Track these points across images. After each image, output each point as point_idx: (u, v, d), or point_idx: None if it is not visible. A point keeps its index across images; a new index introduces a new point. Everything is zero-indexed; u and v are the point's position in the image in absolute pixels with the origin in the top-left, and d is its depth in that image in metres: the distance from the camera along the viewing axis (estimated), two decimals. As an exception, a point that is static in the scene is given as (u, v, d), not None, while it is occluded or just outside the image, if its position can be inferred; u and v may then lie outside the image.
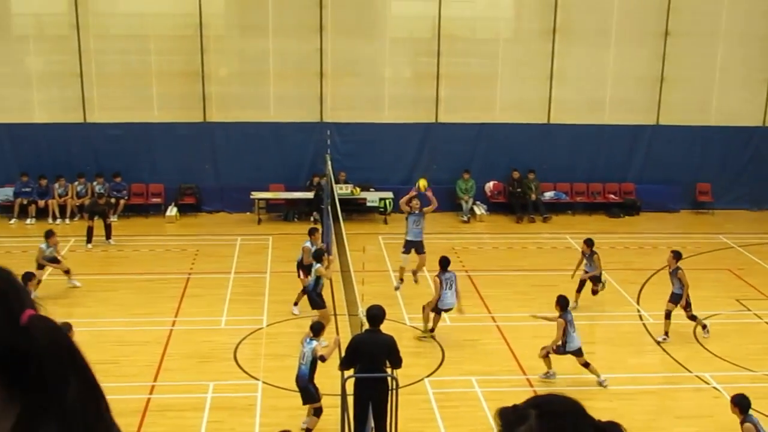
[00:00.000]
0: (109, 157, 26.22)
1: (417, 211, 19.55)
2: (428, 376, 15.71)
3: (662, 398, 15.35)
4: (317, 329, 13.71)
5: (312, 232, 18.98)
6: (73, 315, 18.17)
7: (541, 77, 27.10)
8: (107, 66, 26.33)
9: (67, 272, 19.79)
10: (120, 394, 14.70)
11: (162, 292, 19.74)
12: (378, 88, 27.06)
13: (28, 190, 25.63)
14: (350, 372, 12.33)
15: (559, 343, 15.35)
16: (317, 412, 13.39)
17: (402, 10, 27.65)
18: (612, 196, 27.61)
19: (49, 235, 19.70)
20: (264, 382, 15.25)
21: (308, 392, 13.36)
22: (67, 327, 13.22)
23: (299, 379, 13.41)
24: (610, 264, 22.36)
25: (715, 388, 15.56)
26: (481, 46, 27.94)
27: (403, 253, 19.72)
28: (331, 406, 13.58)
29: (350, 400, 12.47)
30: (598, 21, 26.96)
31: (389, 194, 26.22)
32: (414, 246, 19.60)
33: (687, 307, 17.44)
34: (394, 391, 12.26)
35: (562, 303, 15.70)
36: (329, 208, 21.77)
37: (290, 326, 17.83)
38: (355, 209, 25.68)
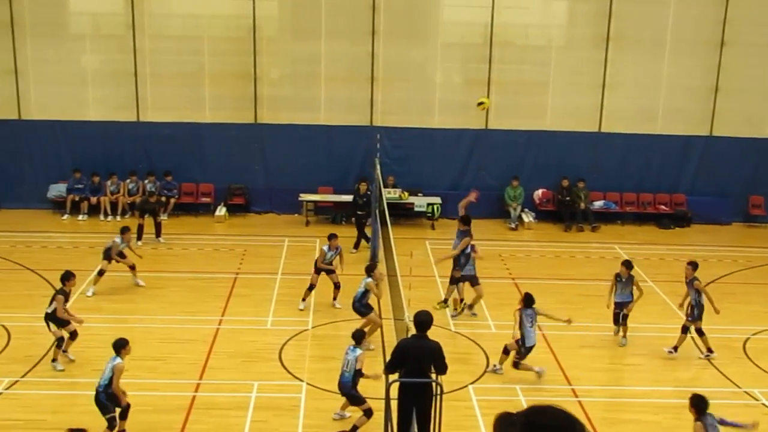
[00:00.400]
0: (161, 155, 26.55)
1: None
2: (473, 383, 15.66)
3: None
4: (359, 337, 13.86)
5: (331, 237, 19.30)
6: (123, 311, 18.46)
7: (594, 85, 26.92)
8: (161, 66, 26.64)
9: (132, 268, 19.89)
10: (166, 391, 14.85)
11: (209, 291, 19.89)
12: (428, 93, 27.07)
13: (80, 186, 26.00)
14: (395, 376, 12.33)
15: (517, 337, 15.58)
16: (368, 413, 13.42)
17: (454, 16, 27.61)
18: (662, 206, 27.34)
19: (124, 230, 19.78)
20: (308, 384, 15.30)
21: (353, 397, 13.44)
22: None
23: (343, 386, 13.48)
24: (659, 275, 22.18)
25: (764, 404, 15.33)
26: (533, 53, 27.81)
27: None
28: (375, 409, 13.60)
29: (394, 404, 12.46)
30: (653, 30, 26.72)
31: (437, 199, 26.21)
32: (469, 279, 18.87)
33: (691, 315, 16.94)
34: (438, 397, 12.24)
35: (527, 299, 15.79)
36: (377, 212, 21.79)
37: (335, 329, 17.87)
38: (402, 214, 25.70)
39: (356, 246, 23.36)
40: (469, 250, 18.64)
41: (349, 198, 24.64)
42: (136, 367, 15.71)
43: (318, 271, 19.02)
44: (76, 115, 26.52)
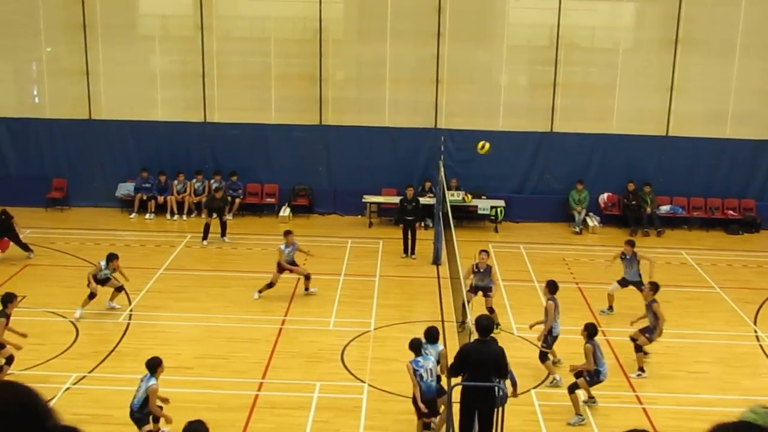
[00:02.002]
0: (227, 156, 26.85)
1: (482, 268, 18.00)
2: (535, 387, 15.57)
3: (777, 423, 14.82)
4: (430, 335, 13.70)
5: (286, 234, 19.90)
6: (187, 309, 18.70)
7: (661, 88, 26.58)
8: (228, 67, 26.96)
9: (118, 290, 18.66)
10: (229, 390, 15.00)
11: (273, 291, 20.03)
12: (493, 95, 26.97)
13: (148, 186, 26.41)
14: (457, 380, 12.31)
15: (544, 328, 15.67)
16: (426, 425, 13.33)
17: (520, 18, 27.44)
18: (731, 212, 26.88)
19: (111, 258, 18.58)
20: (370, 385, 15.34)
21: (437, 405, 13.28)
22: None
23: (429, 394, 13.19)
24: (727, 282, 21.83)
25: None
26: (600, 56, 27.57)
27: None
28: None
29: (456, 407, 12.44)
30: (723, 32, 26.28)
31: (501, 202, 26.10)
32: (481, 290, 18.19)
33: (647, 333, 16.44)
34: (500, 402, 12.19)
35: (551, 287, 15.90)
36: (440, 214, 21.78)
37: (398, 330, 17.87)
38: (466, 216, 25.65)
39: (413, 251, 23.12)
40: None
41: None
42: (201, 365, 15.93)
43: (281, 270, 19.63)
44: (144, 115, 26.97)
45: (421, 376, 13.01)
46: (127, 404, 13.02)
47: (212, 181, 26.41)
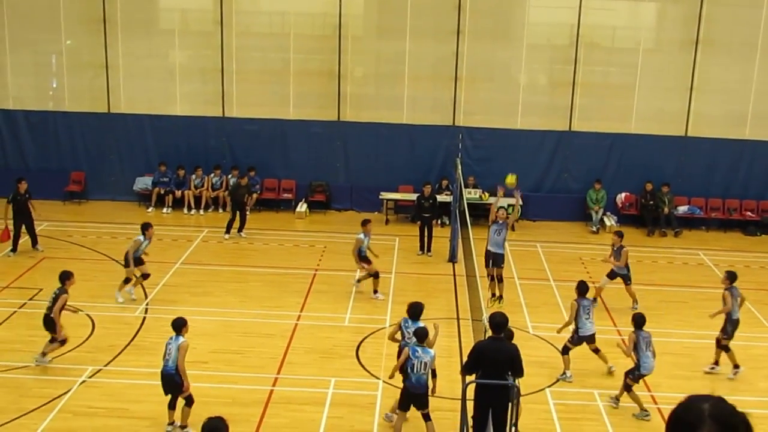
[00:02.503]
0: (245, 151, 26.91)
1: (501, 221, 19.25)
2: (550, 386, 15.54)
3: (794, 426, 14.75)
4: (423, 335, 13.30)
5: (364, 223, 19.83)
6: (203, 304, 18.74)
7: (681, 89, 26.45)
8: (247, 63, 27.00)
9: (144, 277, 19.04)
10: (244, 384, 15.04)
11: (289, 287, 20.08)
12: (512, 94, 26.91)
13: (165, 180, 26.48)
14: (471, 378, 12.29)
15: (570, 327, 15.82)
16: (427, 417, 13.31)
17: (540, 17, 27.35)
18: (749, 213, 26.73)
19: (146, 227, 19.01)
20: (385, 382, 15.33)
21: (427, 400, 13.29)
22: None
23: (422, 388, 13.26)
24: (744, 283, 21.59)
25: None
26: (620, 56, 27.46)
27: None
28: (450, 410, 13.60)
29: (470, 405, 12.43)
30: (744, 33, 26.14)
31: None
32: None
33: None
34: (514, 400, 12.17)
35: (581, 288, 15.91)
36: (457, 212, 21.76)
37: (413, 328, 17.85)
38: (482, 214, 25.55)
39: (429, 249, 23.15)
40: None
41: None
42: (216, 360, 15.97)
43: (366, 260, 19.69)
44: (163, 109, 27.05)
45: (413, 367, 12.97)
46: (143, 398, 13.08)
47: (230, 176, 26.48)
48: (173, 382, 13.16)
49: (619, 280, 19.44)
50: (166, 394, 13.28)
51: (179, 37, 27.34)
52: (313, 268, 21.62)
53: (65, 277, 15.78)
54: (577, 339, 15.85)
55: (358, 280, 19.99)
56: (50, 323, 15.39)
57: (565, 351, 15.94)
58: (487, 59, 26.81)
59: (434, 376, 13.38)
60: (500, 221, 19.19)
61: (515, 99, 26.91)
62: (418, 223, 23.50)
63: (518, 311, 18.67)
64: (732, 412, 3.07)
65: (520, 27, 27.07)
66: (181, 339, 13.24)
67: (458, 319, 18.08)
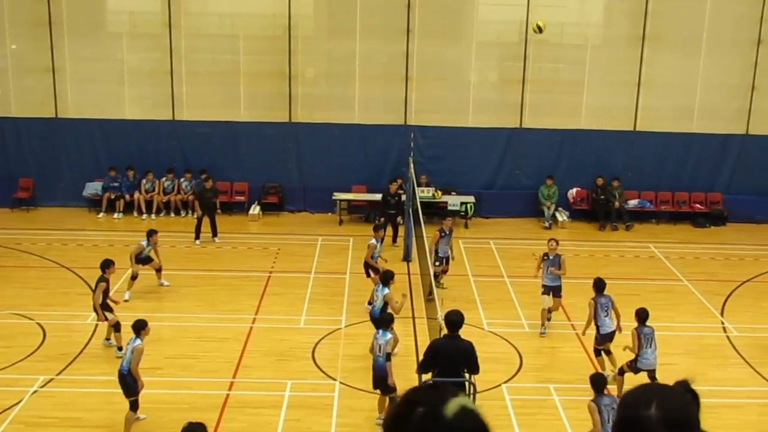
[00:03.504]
0: (196, 154, 26.69)
1: (553, 255, 17.71)
2: (506, 382, 15.62)
3: (746, 413, 14.99)
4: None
5: (377, 229, 19.49)
6: (157, 309, 18.59)
7: (629, 84, 26.74)
8: (197, 65, 26.80)
9: (158, 270, 19.90)
10: (200, 389, 14.94)
11: (243, 290, 19.98)
12: (463, 92, 27.00)
13: (116, 185, 26.20)
14: (428, 376, 12.33)
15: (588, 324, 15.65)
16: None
17: (490, 15, 27.46)
18: (698, 205, 27.10)
19: (151, 233, 19.60)
20: (342, 383, 15.33)
21: (386, 384, 13.45)
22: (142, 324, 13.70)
23: (378, 371, 13.53)
24: (694, 274, 22.01)
25: (801, 406, 15.16)
26: (568, 52, 27.68)
27: (543, 294, 17.91)
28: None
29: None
30: (689, 29, 26.50)
31: (471, 198, 26.16)
32: (552, 290, 17.81)
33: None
34: (471, 397, 12.21)
35: (598, 285, 15.80)
36: (410, 210, 21.79)
37: (369, 327, 17.82)
38: (436, 213, 25.63)
39: (394, 239, 23.49)
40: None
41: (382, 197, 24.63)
42: (171, 365, 15.85)
43: (375, 270, 18.67)
44: (112, 113, 26.72)
45: (375, 348, 13.45)
46: (96, 407, 12.95)
47: (182, 179, 26.30)
48: (124, 383, 13.15)
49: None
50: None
51: (127, 39, 27.05)
52: (268, 270, 21.53)
53: (105, 265, 16.52)
54: (600, 339, 15.58)
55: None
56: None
57: (596, 353, 15.77)
58: (437, 58, 26.88)
59: (388, 359, 13.61)
60: (447, 231, 19.15)
61: (466, 97, 27.02)
62: (383, 219, 23.65)
63: (473, 308, 18.74)
64: (682, 407, 2.86)
65: (470, 25, 27.17)
66: (138, 342, 13.25)
67: (414, 318, 18.11)
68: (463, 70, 27.32)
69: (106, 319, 16.39)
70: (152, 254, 19.66)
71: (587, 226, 26.40)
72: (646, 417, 2.78)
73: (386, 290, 15.86)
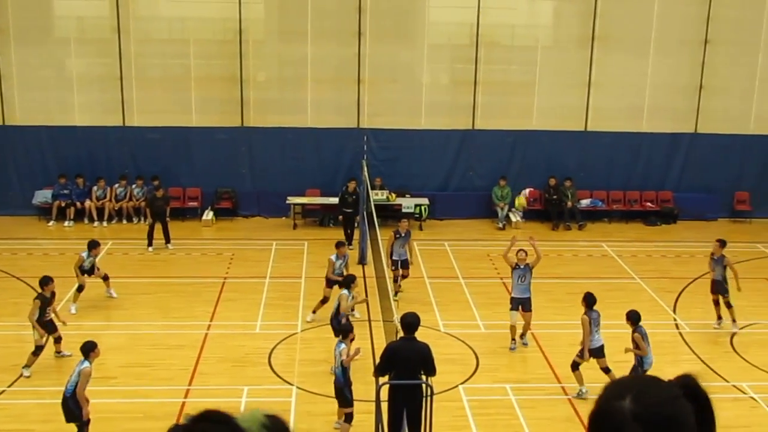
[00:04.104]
0: (148, 160, 26.44)
1: (523, 265, 17.01)
2: (463, 383, 15.67)
3: (699, 409, 15.13)
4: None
5: (339, 246, 18.80)
6: (110, 318, 18.40)
7: (580, 85, 26.99)
8: (147, 70, 26.56)
9: (105, 279, 19.53)
10: (155, 398, 14.80)
11: (198, 296, 19.84)
12: (415, 94, 27.06)
13: (66, 192, 25.86)
14: (385, 379, 12.33)
15: (587, 344, 15.07)
16: (348, 418, 13.37)
17: (441, 17, 27.56)
18: (649, 204, 27.42)
19: (92, 245, 19.12)
20: (298, 388, 15.28)
21: (343, 395, 13.40)
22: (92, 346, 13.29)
23: (336, 382, 13.49)
24: (646, 272, 22.27)
25: (752, 398, 15.40)
26: (519, 54, 27.87)
27: (511, 309, 17.22)
28: (365, 412, 13.59)
29: (384, 406, 12.46)
30: (638, 29, 26.81)
31: (425, 200, 26.22)
32: (521, 303, 17.27)
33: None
34: (428, 398, 12.25)
35: (589, 300, 15.48)
36: (365, 213, 21.80)
37: (325, 332, 17.80)
38: (391, 215, 25.66)
39: (350, 242, 23.42)
40: None
41: (336, 200, 24.60)
42: (125, 374, 15.68)
43: (330, 284, 18.30)
44: (61, 120, 26.36)
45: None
46: (50, 418, 12.77)
47: (134, 186, 26.05)
48: (66, 407, 12.72)
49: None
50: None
51: (76, 45, 26.71)
52: (222, 276, 21.39)
53: (43, 282, 15.98)
54: (588, 354, 15.18)
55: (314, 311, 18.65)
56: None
57: (574, 367, 15.20)
58: (389, 60, 26.90)
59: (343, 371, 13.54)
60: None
61: (418, 99, 27.08)
62: (341, 218, 23.66)
63: (429, 310, 18.77)
64: (659, 402, 2.55)
65: (421, 27, 27.25)
66: (86, 364, 12.82)
67: (369, 321, 18.10)
68: (416, 72, 27.39)
69: (50, 334, 15.97)
70: (96, 266, 19.30)
71: (540, 226, 26.59)
72: (617, 409, 2.49)
73: (343, 291, 15.91)
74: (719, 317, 18.41)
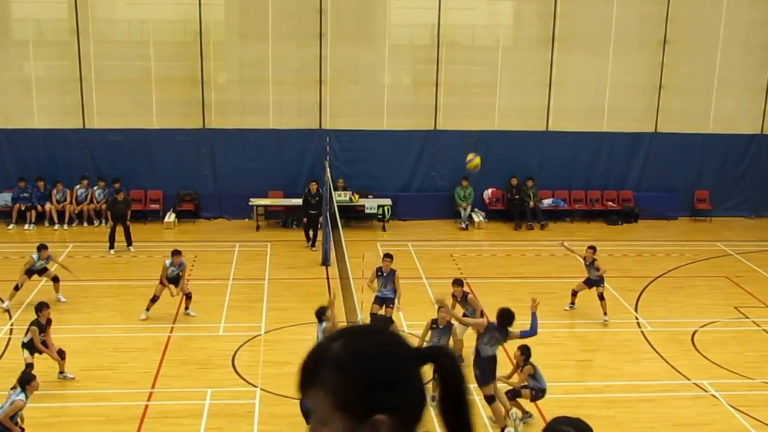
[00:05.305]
0: (108, 163, 26.23)
1: (442, 326, 15.26)
2: (427, 383, 15.63)
3: (660, 406, 15.34)
4: (319, 314, 14.52)
5: (174, 254, 18.87)
6: (71, 321, 18.22)
7: (540, 85, 27.14)
8: (107, 72, 26.34)
9: (54, 280, 19.28)
10: (118, 401, 14.70)
11: (160, 299, 19.68)
12: (377, 95, 27.08)
13: (26, 195, 25.59)
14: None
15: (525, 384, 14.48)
16: None
17: (401, 18, 27.60)
18: (610, 203, 27.63)
19: (41, 248, 19.21)
20: (262, 389, 15.24)
21: None
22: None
23: None
24: (608, 271, 22.35)
25: (713, 395, 15.57)
26: (480, 54, 27.98)
27: None
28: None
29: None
30: (597, 29, 27.02)
31: (388, 201, 26.25)
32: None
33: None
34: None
35: (527, 352, 14.68)
36: (327, 214, 21.78)
37: (288, 333, 17.82)
38: (353, 216, 25.70)
39: (313, 244, 23.44)
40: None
41: (299, 201, 24.58)
42: (87, 377, 15.56)
43: (163, 284, 18.64)
44: (20, 123, 26.08)
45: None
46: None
47: (96, 188, 25.84)
48: None
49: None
50: None
51: (34, 47, 26.44)
52: (185, 278, 21.23)
53: (38, 309, 15.57)
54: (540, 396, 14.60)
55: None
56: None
57: (513, 396, 14.55)
58: (350, 61, 26.89)
59: None
60: (385, 272, 17.52)
61: (380, 100, 27.10)
62: (305, 219, 23.72)
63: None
64: (369, 348, 2.41)
65: (382, 28, 27.27)
66: (20, 397, 12.40)
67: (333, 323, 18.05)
68: (377, 73, 27.42)
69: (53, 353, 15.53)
70: (49, 266, 19.36)
71: (503, 226, 26.72)
72: (327, 347, 2.36)
73: (323, 324, 14.74)
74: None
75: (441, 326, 15.13)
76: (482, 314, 16.20)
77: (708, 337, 18.13)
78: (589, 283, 19.11)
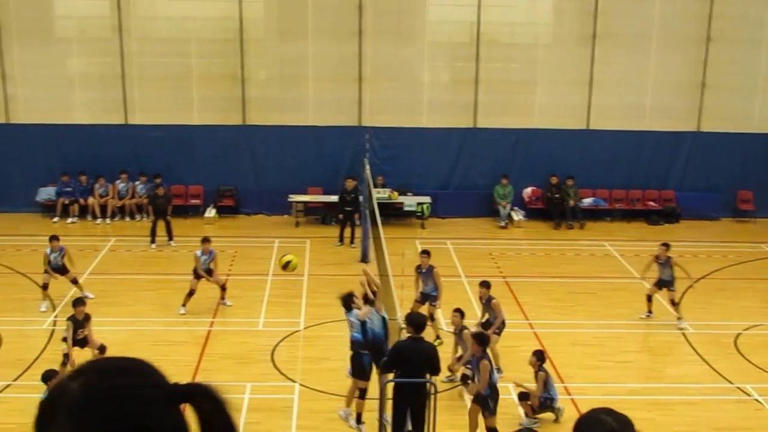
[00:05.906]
0: (150, 158, 26.45)
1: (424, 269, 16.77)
2: (465, 381, 15.65)
3: (702, 409, 15.18)
4: (346, 301, 14.24)
5: (204, 241, 19.21)
6: (113, 314, 18.39)
7: (581, 83, 26.97)
8: (148, 69, 26.58)
9: (74, 282, 19.19)
10: (159, 394, 14.78)
11: (200, 293, 19.76)
12: (416, 92, 27.07)
13: (69, 189, 25.90)
14: (391, 376, 12.35)
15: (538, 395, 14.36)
16: (362, 394, 13.48)
17: (441, 15, 27.58)
18: (651, 203, 27.40)
19: (52, 239, 19.13)
20: (301, 385, 15.30)
21: (360, 363, 13.60)
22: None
23: (353, 345, 13.76)
24: (649, 272, 22.20)
25: (756, 400, 15.38)
26: (520, 51, 27.86)
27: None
28: (368, 409, 13.62)
29: (389, 404, 12.48)
30: (639, 27, 26.79)
31: (427, 199, 26.22)
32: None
33: None
34: (432, 397, 12.27)
35: (540, 357, 14.61)
36: (367, 212, 21.80)
37: (327, 329, 17.85)
38: (392, 213, 25.68)
39: (352, 240, 23.55)
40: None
41: (337, 198, 24.62)
42: (129, 371, 15.65)
43: (198, 276, 18.81)
44: (63, 118, 26.39)
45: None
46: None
47: (137, 182, 26.08)
48: None
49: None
50: None
51: (77, 44, 26.77)
52: (225, 273, 21.35)
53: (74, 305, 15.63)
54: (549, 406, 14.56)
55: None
56: None
57: (521, 397, 14.70)
58: (389, 59, 26.90)
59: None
60: (424, 269, 17.72)
61: (419, 97, 27.08)
62: (341, 216, 23.82)
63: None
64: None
65: (421, 25, 27.26)
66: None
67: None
68: (416, 70, 27.40)
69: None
70: (66, 262, 19.06)
71: (542, 225, 26.59)
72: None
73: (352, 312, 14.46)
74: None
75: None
76: (503, 323, 16.09)
77: (752, 341, 17.90)
78: (660, 284, 18.68)
